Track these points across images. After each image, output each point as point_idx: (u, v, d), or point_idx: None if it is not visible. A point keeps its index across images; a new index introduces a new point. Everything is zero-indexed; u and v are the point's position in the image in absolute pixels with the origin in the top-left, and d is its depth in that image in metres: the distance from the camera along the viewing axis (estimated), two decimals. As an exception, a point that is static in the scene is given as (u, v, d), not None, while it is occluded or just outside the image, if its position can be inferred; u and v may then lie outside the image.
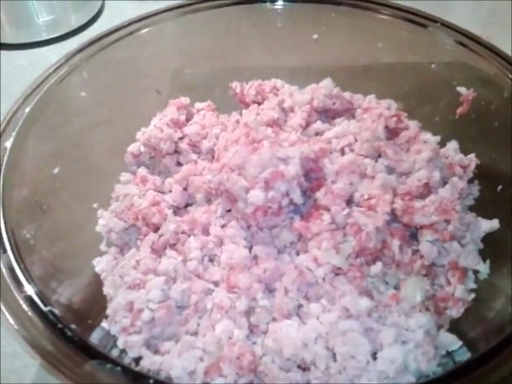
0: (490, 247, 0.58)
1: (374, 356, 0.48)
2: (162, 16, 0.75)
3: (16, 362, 0.58)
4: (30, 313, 0.43)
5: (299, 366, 0.49)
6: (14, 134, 0.57)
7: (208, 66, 0.79)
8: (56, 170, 0.60)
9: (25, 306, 0.43)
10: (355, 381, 0.46)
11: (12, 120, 0.59)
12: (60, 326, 0.42)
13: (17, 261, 0.47)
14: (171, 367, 0.48)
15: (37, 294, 0.45)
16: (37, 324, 0.43)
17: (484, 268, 0.56)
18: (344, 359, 0.47)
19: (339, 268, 0.53)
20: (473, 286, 0.56)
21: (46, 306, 0.44)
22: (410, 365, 0.47)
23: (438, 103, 0.71)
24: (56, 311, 0.44)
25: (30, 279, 0.46)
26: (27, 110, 0.60)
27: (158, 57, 0.76)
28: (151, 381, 0.40)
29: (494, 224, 0.58)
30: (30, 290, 0.45)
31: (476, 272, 0.57)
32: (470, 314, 0.54)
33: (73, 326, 0.43)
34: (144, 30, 0.73)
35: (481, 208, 0.61)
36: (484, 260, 0.57)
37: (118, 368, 0.40)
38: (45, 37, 1.04)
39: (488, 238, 0.58)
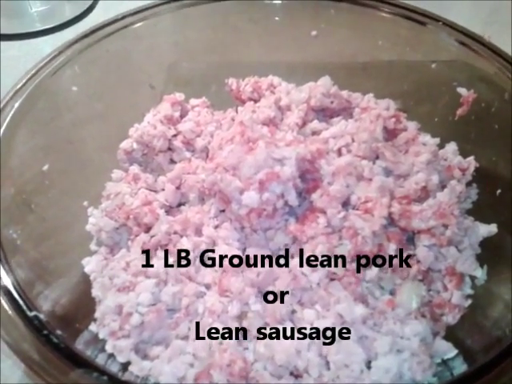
0: (488, 252, 0.57)
1: (369, 365, 0.47)
2: (158, 9, 0.73)
3: (2, 363, 0.56)
4: (14, 318, 0.42)
5: (291, 373, 0.48)
6: (2, 129, 0.56)
7: (204, 61, 0.78)
8: (45, 167, 0.58)
9: (9, 311, 0.42)
10: (349, 390, 0.45)
11: (0, 115, 0.57)
12: (45, 332, 0.41)
13: (1, 262, 0.45)
14: (160, 373, 0.47)
15: (22, 298, 0.43)
16: (21, 329, 0.41)
17: (481, 274, 0.56)
18: (337, 368, 0.46)
19: (334, 273, 0.52)
20: (470, 291, 0.55)
21: (31, 310, 0.42)
22: (405, 374, 0.46)
23: (437, 103, 0.70)
24: (41, 316, 0.43)
25: (15, 282, 0.44)
26: (16, 104, 0.58)
27: (152, 51, 0.75)
28: (138, 390, 0.38)
29: (492, 229, 0.57)
30: (14, 293, 0.43)
31: (473, 278, 0.56)
32: (467, 321, 0.53)
33: (58, 332, 0.42)
34: (139, 24, 0.72)
35: (479, 212, 0.60)
36: (481, 265, 0.56)
37: (105, 377, 0.38)
38: (38, 27, 1.01)
39: (486, 243, 0.57)
